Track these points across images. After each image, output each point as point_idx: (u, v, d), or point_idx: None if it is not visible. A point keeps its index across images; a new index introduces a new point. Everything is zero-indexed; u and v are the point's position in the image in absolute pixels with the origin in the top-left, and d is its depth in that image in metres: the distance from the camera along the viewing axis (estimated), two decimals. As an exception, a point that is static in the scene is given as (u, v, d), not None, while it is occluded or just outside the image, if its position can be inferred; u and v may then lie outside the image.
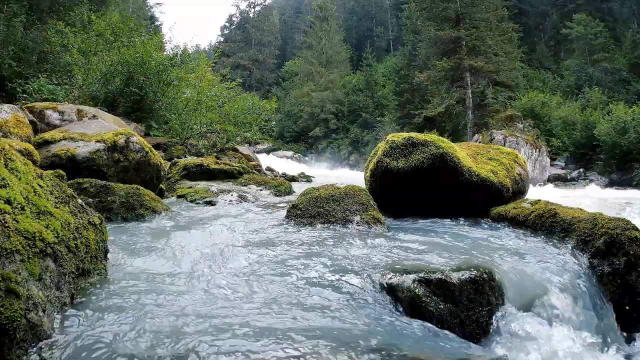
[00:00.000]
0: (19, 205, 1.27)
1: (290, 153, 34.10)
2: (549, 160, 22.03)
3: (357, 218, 2.86)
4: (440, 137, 3.50)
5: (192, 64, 10.56)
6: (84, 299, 1.46)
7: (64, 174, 2.77)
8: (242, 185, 4.86)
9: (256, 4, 56.00)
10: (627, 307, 2.11)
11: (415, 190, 3.37)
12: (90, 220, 1.64)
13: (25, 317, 1.08)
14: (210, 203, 3.82)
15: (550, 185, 17.89)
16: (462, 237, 2.73)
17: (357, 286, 1.73)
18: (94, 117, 5.80)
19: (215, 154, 7.79)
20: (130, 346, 1.19)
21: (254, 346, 1.22)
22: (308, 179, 10.21)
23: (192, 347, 1.19)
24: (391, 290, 1.71)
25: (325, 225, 2.79)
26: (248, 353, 1.18)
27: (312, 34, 42.78)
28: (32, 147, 3.24)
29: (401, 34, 41.83)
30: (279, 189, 4.94)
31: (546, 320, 1.83)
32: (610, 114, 21.72)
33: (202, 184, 4.57)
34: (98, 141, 3.66)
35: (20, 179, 1.37)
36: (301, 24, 50.35)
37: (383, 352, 1.26)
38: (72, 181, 2.85)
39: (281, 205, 3.84)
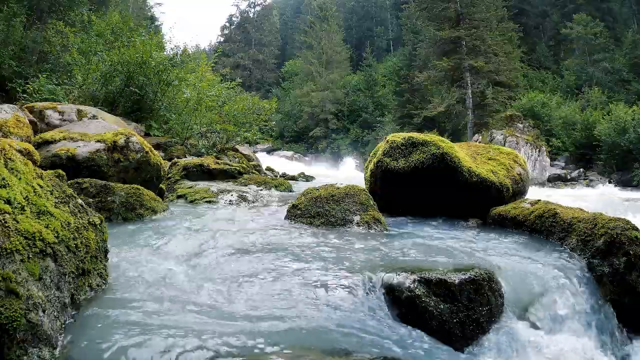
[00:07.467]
0: (19, 205, 1.27)
1: (290, 153, 34.04)
2: (549, 160, 22.01)
3: (357, 218, 2.86)
4: (440, 137, 3.50)
5: (192, 64, 10.54)
6: (83, 299, 1.46)
7: (64, 173, 2.78)
8: (242, 185, 4.86)
9: (256, 4, 56.05)
10: (627, 307, 2.11)
11: (415, 190, 3.37)
12: (90, 220, 1.63)
13: (26, 317, 1.08)
14: (210, 203, 3.82)
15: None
16: (462, 237, 2.73)
17: (355, 287, 1.73)
18: (94, 117, 5.80)
19: (215, 154, 7.77)
20: (129, 346, 1.19)
21: (220, 343, 1.22)
22: (308, 179, 10.19)
23: (188, 345, 1.19)
24: (391, 290, 1.70)
25: (325, 225, 2.79)
26: (207, 350, 1.19)
27: (312, 34, 42.71)
28: (32, 147, 3.23)
29: (401, 34, 41.82)
30: (278, 189, 4.94)
31: (546, 321, 1.83)
32: (610, 114, 21.70)
33: (202, 184, 4.57)
34: (98, 141, 3.65)
35: (20, 179, 1.37)
36: (301, 24, 50.27)
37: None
38: (72, 181, 2.84)
39: (281, 205, 3.84)
